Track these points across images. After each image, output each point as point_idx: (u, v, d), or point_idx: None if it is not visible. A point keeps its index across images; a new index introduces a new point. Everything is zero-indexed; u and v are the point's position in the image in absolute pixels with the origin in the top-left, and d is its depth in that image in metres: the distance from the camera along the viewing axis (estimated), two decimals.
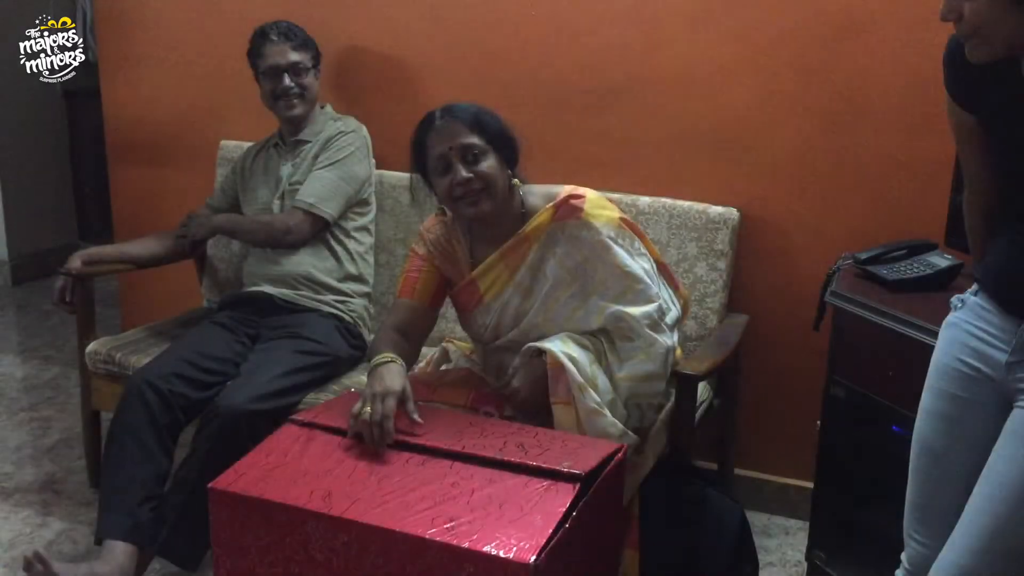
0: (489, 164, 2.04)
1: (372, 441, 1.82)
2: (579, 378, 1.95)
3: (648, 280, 2.07)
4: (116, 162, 3.43)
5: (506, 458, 1.70)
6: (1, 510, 2.73)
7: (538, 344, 2.01)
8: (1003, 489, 1.43)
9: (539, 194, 2.13)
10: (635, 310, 2.02)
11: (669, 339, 2.07)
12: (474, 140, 2.03)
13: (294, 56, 2.69)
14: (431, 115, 2.09)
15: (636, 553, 2.01)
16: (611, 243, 2.05)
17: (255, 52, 2.73)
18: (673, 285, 2.23)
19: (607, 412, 1.96)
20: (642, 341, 2.02)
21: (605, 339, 2.05)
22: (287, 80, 2.69)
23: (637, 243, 2.11)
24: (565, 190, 2.11)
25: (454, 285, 2.20)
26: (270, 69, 2.70)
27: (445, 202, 2.10)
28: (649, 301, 2.05)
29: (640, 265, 2.07)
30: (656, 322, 2.05)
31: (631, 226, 2.13)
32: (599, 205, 2.09)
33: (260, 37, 2.72)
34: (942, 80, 1.55)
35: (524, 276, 2.10)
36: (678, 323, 2.18)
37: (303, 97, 2.73)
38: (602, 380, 2.00)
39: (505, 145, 2.08)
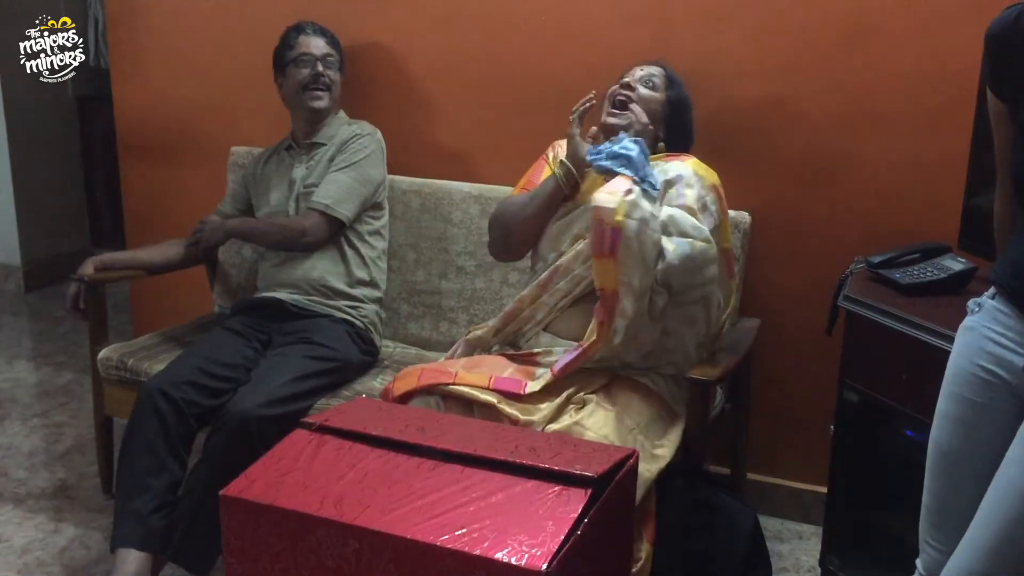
0: (648, 98, 2.28)
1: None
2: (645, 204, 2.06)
3: (704, 222, 2.17)
4: (128, 165, 3.44)
5: (518, 461, 1.70)
6: (14, 516, 2.74)
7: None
8: (1014, 493, 1.41)
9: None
10: (690, 218, 2.15)
11: (713, 253, 2.14)
12: (659, 79, 2.32)
13: (327, 49, 2.75)
14: None
15: (652, 548, 2.01)
16: (696, 182, 2.20)
17: (287, 44, 2.77)
18: (729, 273, 2.29)
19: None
20: (685, 236, 2.11)
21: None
22: (319, 67, 2.72)
23: (715, 208, 2.21)
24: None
25: None
26: (303, 56, 2.73)
27: (607, 105, 2.32)
28: (701, 222, 2.16)
29: (708, 203, 2.20)
30: (707, 238, 2.13)
31: (720, 196, 2.24)
32: (703, 167, 2.27)
33: (294, 31, 2.78)
34: (955, 81, 1.54)
35: None
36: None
37: (330, 91, 2.76)
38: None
39: (676, 113, 2.33)
